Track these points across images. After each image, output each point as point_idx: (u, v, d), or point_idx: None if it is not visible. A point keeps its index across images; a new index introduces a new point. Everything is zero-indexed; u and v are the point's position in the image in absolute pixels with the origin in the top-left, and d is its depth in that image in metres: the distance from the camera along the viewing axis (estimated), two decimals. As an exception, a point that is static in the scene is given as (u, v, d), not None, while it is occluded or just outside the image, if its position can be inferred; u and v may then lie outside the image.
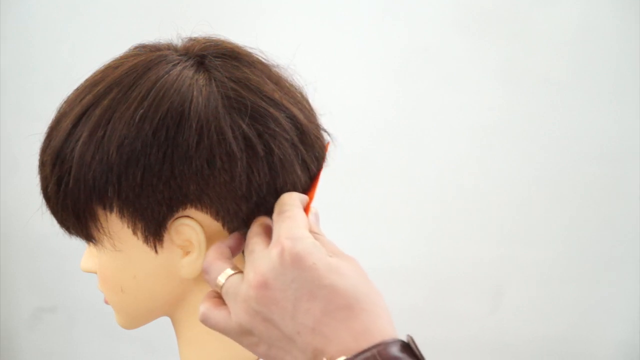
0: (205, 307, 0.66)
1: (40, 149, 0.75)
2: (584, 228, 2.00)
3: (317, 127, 0.77)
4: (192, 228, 0.71)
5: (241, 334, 0.64)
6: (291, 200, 0.68)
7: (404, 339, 0.61)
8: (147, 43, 0.77)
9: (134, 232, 0.72)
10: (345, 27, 1.93)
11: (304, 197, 0.70)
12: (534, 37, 1.93)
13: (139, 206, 0.70)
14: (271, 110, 0.71)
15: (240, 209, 0.71)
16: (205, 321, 0.66)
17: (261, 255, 0.63)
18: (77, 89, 0.75)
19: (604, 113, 1.95)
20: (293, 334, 0.61)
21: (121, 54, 0.76)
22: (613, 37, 1.92)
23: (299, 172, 0.73)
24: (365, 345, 0.59)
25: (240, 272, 0.65)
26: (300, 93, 0.77)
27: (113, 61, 0.75)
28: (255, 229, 0.69)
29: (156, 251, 0.73)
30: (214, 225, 0.72)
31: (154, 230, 0.71)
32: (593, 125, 1.96)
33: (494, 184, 1.99)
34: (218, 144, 0.69)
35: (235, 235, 0.72)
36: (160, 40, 0.78)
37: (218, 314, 0.65)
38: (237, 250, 0.71)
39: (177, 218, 0.71)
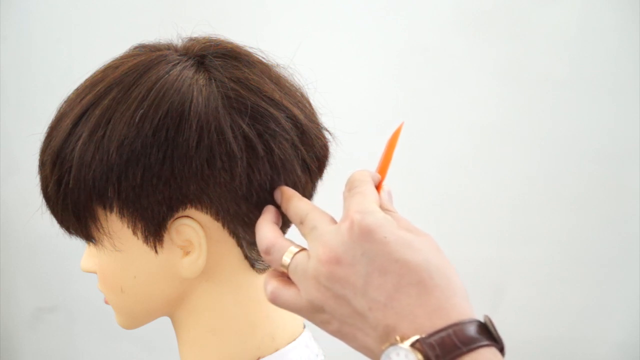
0: (272, 286, 0.64)
1: (40, 149, 0.75)
2: (584, 228, 2.00)
3: (318, 126, 0.77)
4: (192, 228, 0.71)
5: (313, 311, 0.62)
6: (362, 177, 0.66)
7: (481, 318, 0.58)
8: (147, 43, 0.77)
9: (134, 232, 0.72)
10: (345, 27, 1.93)
11: (376, 174, 0.68)
12: (534, 37, 1.93)
13: (139, 206, 0.70)
14: (271, 110, 0.71)
15: (241, 209, 0.71)
16: (274, 300, 0.63)
17: (328, 230, 0.61)
18: (77, 89, 0.75)
19: (603, 112, 1.95)
20: (364, 310, 0.58)
21: (121, 54, 0.76)
22: (613, 37, 1.92)
23: (299, 172, 0.73)
24: (440, 324, 0.56)
25: (304, 249, 0.63)
26: (301, 93, 0.77)
27: (113, 61, 0.75)
28: (304, 205, 0.66)
29: (156, 251, 0.73)
30: (214, 225, 0.72)
31: (154, 230, 0.71)
32: (593, 125, 1.96)
33: (494, 184, 1.99)
34: (218, 144, 0.69)
35: (273, 209, 0.70)
36: (161, 40, 0.77)
37: (287, 293, 0.63)
38: (278, 225, 0.69)
39: (177, 218, 0.71)
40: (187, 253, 0.73)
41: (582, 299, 2.03)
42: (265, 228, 0.66)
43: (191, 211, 0.71)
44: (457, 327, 0.55)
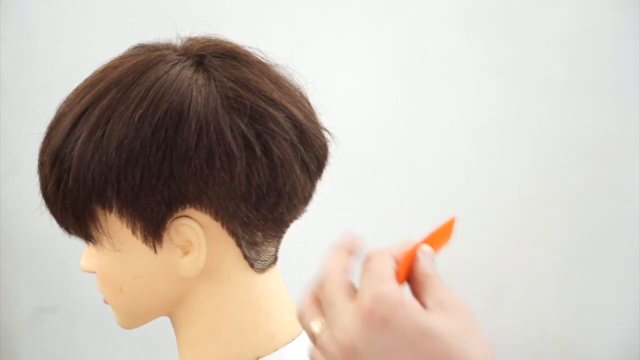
0: (313, 349, 0.61)
1: (40, 149, 0.75)
2: (584, 228, 2.00)
3: (317, 126, 0.77)
4: (191, 228, 0.71)
5: None
6: (377, 251, 0.61)
7: None
8: (146, 43, 0.77)
9: (133, 232, 0.72)
10: (344, 27, 1.93)
11: (410, 243, 0.62)
12: (533, 37, 1.93)
13: (138, 206, 0.70)
14: (270, 110, 0.71)
15: (240, 209, 0.71)
16: None
17: (345, 314, 0.57)
18: (76, 89, 0.75)
19: (603, 113, 1.95)
20: None
21: (120, 54, 0.76)
22: (613, 37, 1.92)
23: (299, 172, 0.73)
24: None
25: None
26: (300, 93, 0.77)
27: (112, 61, 0.75)
28: (333, 275, 0.61)
29: (155, 251, 0.73)
30: (214, 225, 0.72)
31: (153, 230, 0.71)
32: (592, 125, 1.96)
33: (494, 184, 1.99)
34: (217, 143, 0.69)
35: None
36: (160, 40, 0.77)
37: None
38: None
39: (176, 218, 0.71)
40: (186, 253, 0.73)
41: (582, 299, 2.03)
42: (308, 294, 0.63)
43: (190, 211, 0.71)
44: None
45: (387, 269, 0.57)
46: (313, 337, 0.60)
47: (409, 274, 0.58)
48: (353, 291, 0.59)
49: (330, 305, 0.58)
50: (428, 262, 0.60)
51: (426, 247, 0.61)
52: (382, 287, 0.55)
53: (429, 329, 0.54)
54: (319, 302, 0.60)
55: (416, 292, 0.58)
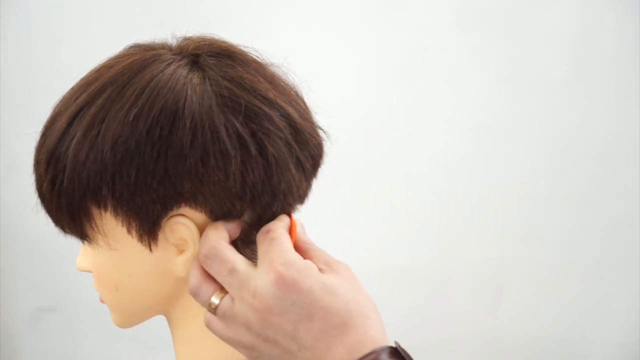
0: (209, 314, 0.70)
1: (35, 148, 0.75)
2: (584, 228, 2.00)
3: (312, 125, 0.77)
4: (186, 226, 0.72)
5: (241, 348, 0.69)
6: (275, 222, 0.72)
7: (392, 344, 0.66)
8: (141, 42, 0.77)
9: (129, 231, 0.72)
10: (341, 25, 1.93)
11: (286, 217, 0.73)
12: (534, 37, 1.93)
13: (133, 205, 0.70)
14: (265, 108, 0.71)
15: (235, 208, 0.71)
16: (209, 327, 0.70)
17: (255, 279, 0.67)
18: (72, 88, 0.75)
19: (604, 113, 1.95)
20: (294, 350, 0.66)
21: (116, 54, 0.76)
22: (613, 37, 1.92)
23: (294, 171, 0.73)
24: (357, 356, 0.65)
25: (227, 292, 0.68)
26: (295, 92, 0.77)
27: (108, 60, 0.75)
28: (224, 247, 0.70)
29: (151, 250, 0.73)
30: (209, 223, 0.72)
31: (148, 228, 0.72)
32: (593, 125, 1.96)
33: (494, 184, 1.99)
34: (212, 142, 0.69)
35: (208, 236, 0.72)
36: (155, 40, 0.78)
37: (218, 325, 0.69)
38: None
39: (171, 216, 0.71)
40: (181, 251, 0.73)
41: (582, 299, 2.03)
42: (193, 268, 0.71)
43: (185, 209, 0.71)
44: (372, 356, 0.65)
45: (287, 239, 0.69)
46: (212, 309, 0.69)
47: (294, 243, 0.71)
48: (248, 261, 0.69)
49: (231, 273, 0.68)
50: (302, 231, 0.73)
51: (300, 221, 0.74)
52: (288, 254, 0.67)
53: (330, 286, 0.66)
54: (209, 277, 0.70)
55: (303, 258, 0.68)
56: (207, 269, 0.69)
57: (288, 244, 0.69)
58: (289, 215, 0.74)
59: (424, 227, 2.02)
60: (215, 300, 0.69)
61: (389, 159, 1.98)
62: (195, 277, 0.70)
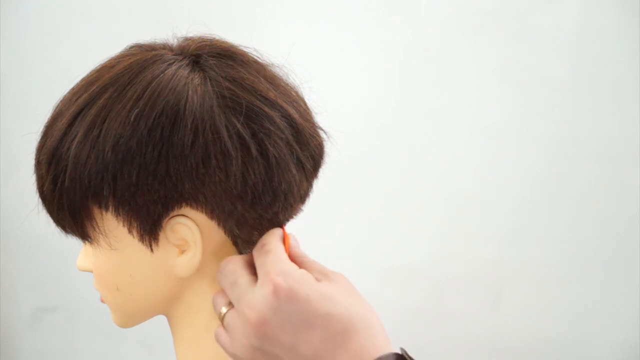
0: (220, 327, 0.70)
1: (36, 148, 0.75)
2: (584, 228, 2.00)
3: (313, 125, 0.77)
4: (187, 227, 0.72)
5: None
6: (269, 234, 0.72)
7: (398, 350, 0.64)
8: (142, 42, 0.77)
9: (130, 231, 0.72)
10: (341, 25, 1.93)
11: (279, 230, 0.73)
12: (534, 37, 1.93)
13: (134, 205, 0.70)
14: (266, 109, 0.71)
15: (236, 208, 0.71)
16: (217, 341, 0.71)
17: (251, 291, 0.66)
18: (72, 88, 0.75)
19: (604, 113, 1.95)
20: None
21: (117, 54, 0.76)
22: (613, 37, 1.92)
23: (294, 171, 0.73)
24: None
25: (233, 307, 0.69)
26: (296, 92, 0.77)
27: (108, 61, 0.75)
28: (232, 261, 0.71)
29: (152, 250, 0.73)
30: (210, 224, 0.73)
31: (149, 229, 0.72)
32: (593, 125, 1.96)
33: (494, 184, 1.99)
34: (213, 142, 0.69)
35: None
36: (156, 40, 0.78)
37: (224, 339, 0.70)
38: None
39: (172, 217, 0.72)
40: (182, 252, 0.73)
41: (582, 299, 2.03)
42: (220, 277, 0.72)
43: (186, 210, 0.71)
44: None
45: (282, 251, 0.69)
46: (221, 319, 0.69)
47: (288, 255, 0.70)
48: (251, 269, 0.69)
49: (233, 285, 0.68)
50: (295, 244, 0.73)
51: (294, 235, 0.73)
52: (284, 265, 0.66)
53: (328, 294, 0.64)
54: (222, 292, 0.71)
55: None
56: (219, 281, 0.71)
57: (283, 255, 0.68)
58: (282, 227, 0.74)
59: (424, 227, 2.02)
60: (224, 311, 0.69)
61: (389, 159, 1.98)
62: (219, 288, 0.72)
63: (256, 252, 0.70)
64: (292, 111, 0.73)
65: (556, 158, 1.98)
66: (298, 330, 0.64)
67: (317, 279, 0.67)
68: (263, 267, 0.67)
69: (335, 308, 0.64)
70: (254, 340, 0.65)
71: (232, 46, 0.76)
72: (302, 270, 0.67)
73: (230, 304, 0.69)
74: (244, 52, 0.76)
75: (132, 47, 0.77)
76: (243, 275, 0.68)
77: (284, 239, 0.71)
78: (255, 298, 0.65)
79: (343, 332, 0.63)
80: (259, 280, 0.66)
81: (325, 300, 0.64)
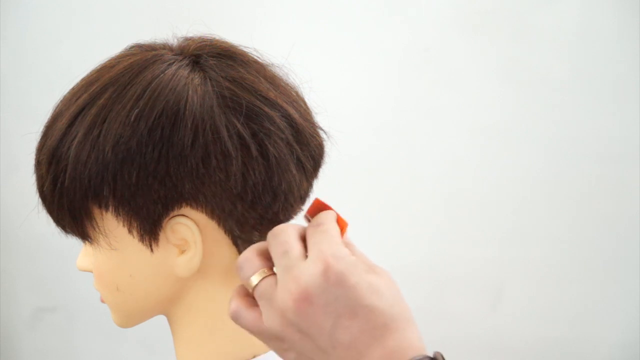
0: (236, 304, 0.66)
1: (36, 148, 0.75)
2: (584, 228, 2.00)
3: (313, 125, 0.77)
4: (187, 227, 0.72)
5: (271, 339, 0.65)
6: (327, 214, 0.68)
7: (431, 354, 0.63)
8: (142, 43, 0.77)
9: (130, 231, 0.72)
10: (341, 26, 1.93)
11: (334, 213, 0.70)
12: (534, 37, 1.93)
13: (134, 205, 0.70)
14: (266, 109, 0.71)
15: (236, 208, 0.71)
16: (235, 319, 0.66)
17: (301, 266, 0.63)
18: (72, 89, 0.75)
19: (604, 113, 1.95)
20: (328, 347, 0.62)
21: (117, 54, 0.76)
22: (613, 37, 1.92)
23: (294, 171, 0.73)
24: None
25: (274, 274, 0.64)
26: (296, 92, 0.77)
27: (109, 61, 0.75)
28: (290, 230, 0.67)
29: (152, 250, 0.73)
30: (210, 224, 0.72)
31: (149, 229, 0.72)
32: (593, 125, 1.96)
33: (494, 184, 1.99)
34: (213, 143, 0.69)
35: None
36: (156, 40, 0.78)
37: (249, 315, 0.65)
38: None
39: (172, 217, 0.71)
40: (182, 252, 0.73)
41: (582, 299, 2.03)
42: (252, 246, 0.67)
43: (186, 210, 0.71)
44: None
45: (337, 232, 0.66)
46: (249, 286, 0.65)
47: None
48: (302, 243, 0.65)
49: (284, 254, 0.64)
50: (346, 234, 0.69)
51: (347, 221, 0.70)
52: (339, 247, 0.64)
53: (376, 287, 0.63)
54: (262, 255, 0.66)
55: None
56: (269, 246, 0.66)
57: (339, 238, 0.66)
58: (338, 215, 0.70)
59: (424, 227, 2.02)
60: (255, 278, 0.65)
61: (389, 159, 1.98)
62: (250, 251, 0.66)
63: (311, 229, 0.66)
64: (292, 111, 0.73)
65: (556, 158, 1.98)
66: (340, 316, 0.61)
67: (366, 270, 0.65)
68: (317, 245, 0.64)
69: (380, 301, 0.62)
70: (291, 314, 0.62)
71: (232, 46, 0.76)
72: (354, 258, 0.64)
73: (268, 271, 0.65)
74: (244, 52, 0.76)
75: (132, 47, 0.77)
76: (296, 248, 0.64)
77: (340, 224, 0.69)
78: (304, 273, 0.62)
79: (383, 326, 0.62)
80: (311, 257, 0.63)
81: (373, 292, 0.62)
